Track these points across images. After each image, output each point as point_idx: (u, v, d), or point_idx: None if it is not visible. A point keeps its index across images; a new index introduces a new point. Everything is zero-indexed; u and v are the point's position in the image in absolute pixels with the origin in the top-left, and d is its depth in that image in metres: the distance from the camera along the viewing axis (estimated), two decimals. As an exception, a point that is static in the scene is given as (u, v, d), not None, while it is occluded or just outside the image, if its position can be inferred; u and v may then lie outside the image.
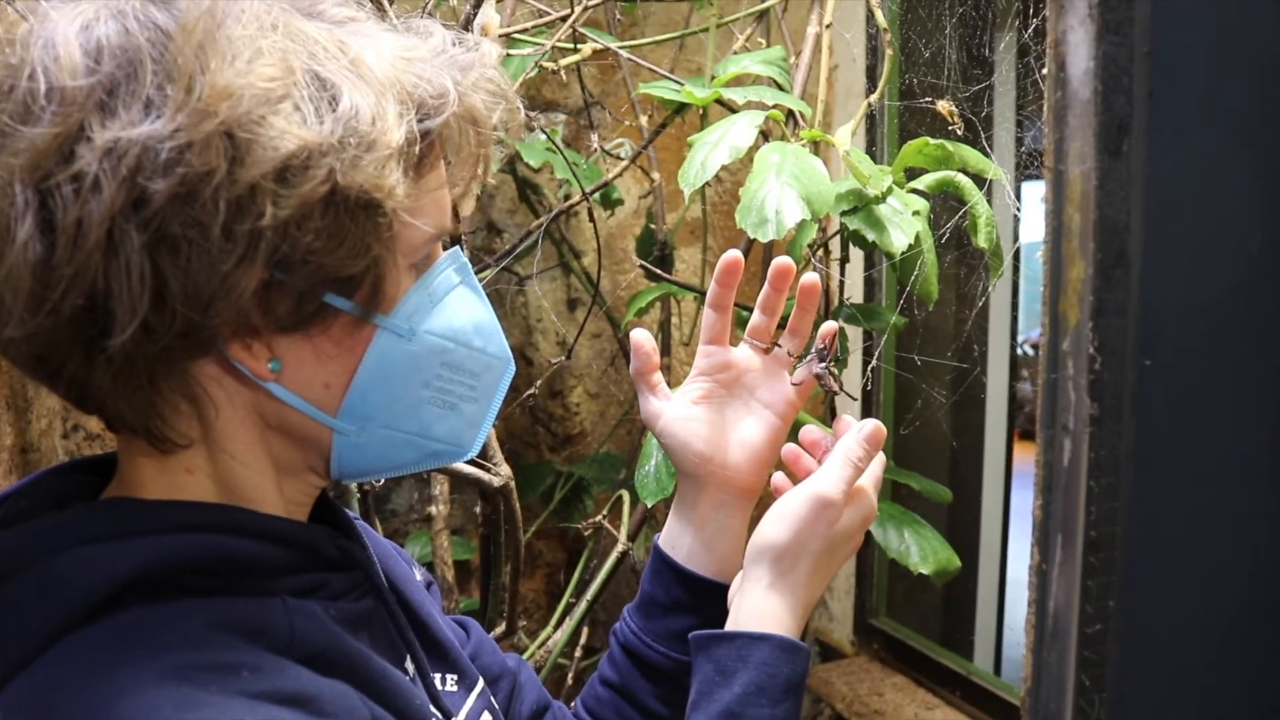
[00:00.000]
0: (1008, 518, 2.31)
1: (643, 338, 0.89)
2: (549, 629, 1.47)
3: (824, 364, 0.87)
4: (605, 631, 2.33)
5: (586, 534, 1.52)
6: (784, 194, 1.12)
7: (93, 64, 0.56)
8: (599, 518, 1.49)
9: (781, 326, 0.91)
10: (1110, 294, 0.62)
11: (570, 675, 1.67)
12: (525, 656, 1.40)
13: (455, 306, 0.72)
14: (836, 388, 0.88)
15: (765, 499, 0.84)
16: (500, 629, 1.24)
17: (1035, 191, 1.81)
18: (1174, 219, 0.63)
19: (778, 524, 0.80)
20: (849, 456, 0.81)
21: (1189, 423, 0.64)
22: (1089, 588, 0.63)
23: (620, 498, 1.47)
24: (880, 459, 0.85)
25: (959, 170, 1.31)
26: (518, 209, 2.15)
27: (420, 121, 0.64)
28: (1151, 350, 0.63)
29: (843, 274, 1.38)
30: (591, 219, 1.35)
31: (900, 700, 2.10)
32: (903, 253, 1.20)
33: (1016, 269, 2.12)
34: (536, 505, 2.11)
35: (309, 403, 0.67)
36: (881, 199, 1.25)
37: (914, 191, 1.31)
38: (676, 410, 0.89)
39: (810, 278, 0.88)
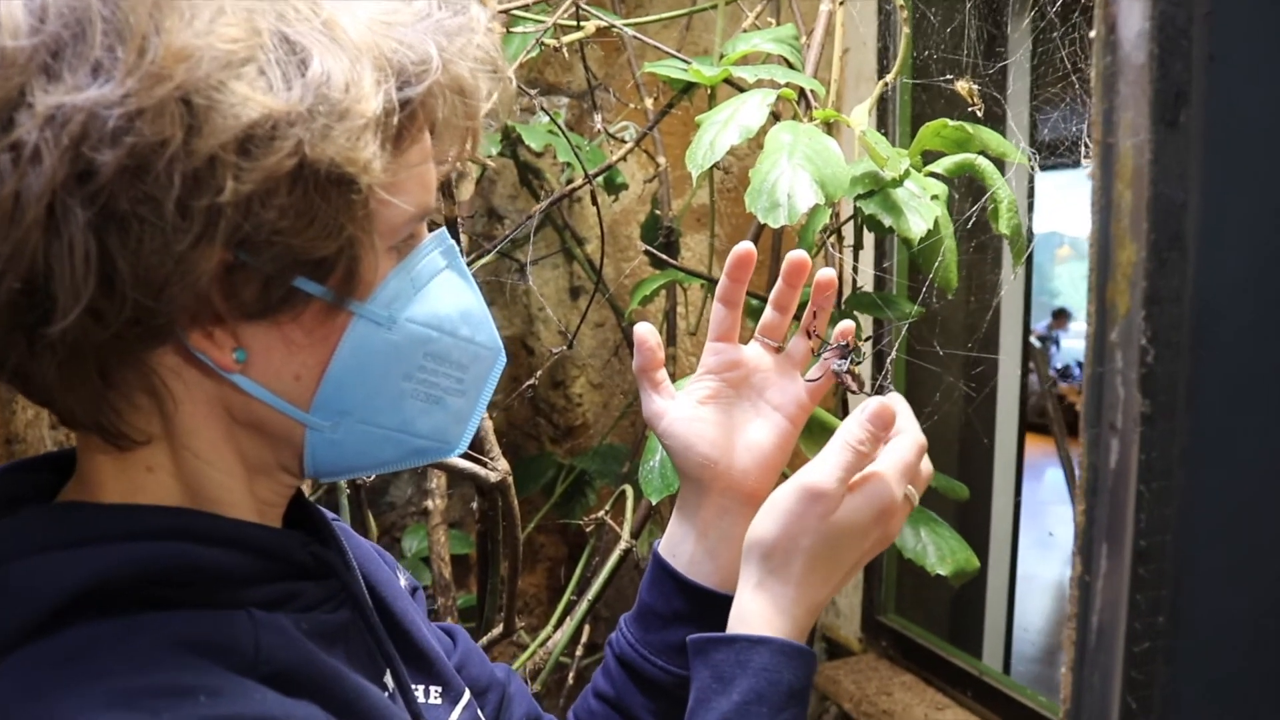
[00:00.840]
0: (1018, 513, 2.27)
1: (646, 332, 0.84)
2: (549, 628, 1.42)
3: (844, 361, 0.81)
4: (609, 628, 2.29)
5: (588, 530, 1.47)
6: (797, 176, 1.06)
7: (37, 23, 0.51)
8: (601, 513, 1.44)
9: (797, 318, 0.86)
10: (1164, 279, 0.56)
11: (571, 674, 1.62)
12: (525, 657, 1.35)
13: (440, 292, 0.66)
14: (856, 387, 0.82)
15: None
16: (498, 630, 1.18)
17: (1044, 183, 1.76)
18: (1235, 196, 0.57)
19: (765, 519, 0.74)
20: (847, 440, 0.73)
21: (1250, 421, 0.59)
22: (1137, 602, 0.58)
23: (624, 493, 1.41)
24: (913, 441, 0.76)
25: (979, 153, 1.25)
26: (519, 194, 2.09)
27: (400, 90, 0.58)
28: (1209, 341, 0.57)
29: (856, 261, 1.32)
30: (594, 203, 1.29)
31: (909, 700, 2.05)
32: (921, 239, 1.14)
33: (1030, 260, 2.06)
34: (538, 498, 2.06)
35: (279, 396, 0.61)
36: (899, 182, 1.19)
37: (932, 175, 1.25)
38: (681, 410, 0.84)
39: (826, 273, 0.82)
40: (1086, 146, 1.17)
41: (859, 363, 0.81)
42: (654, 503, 1.07)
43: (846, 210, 1.40)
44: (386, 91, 0.57)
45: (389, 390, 0.64)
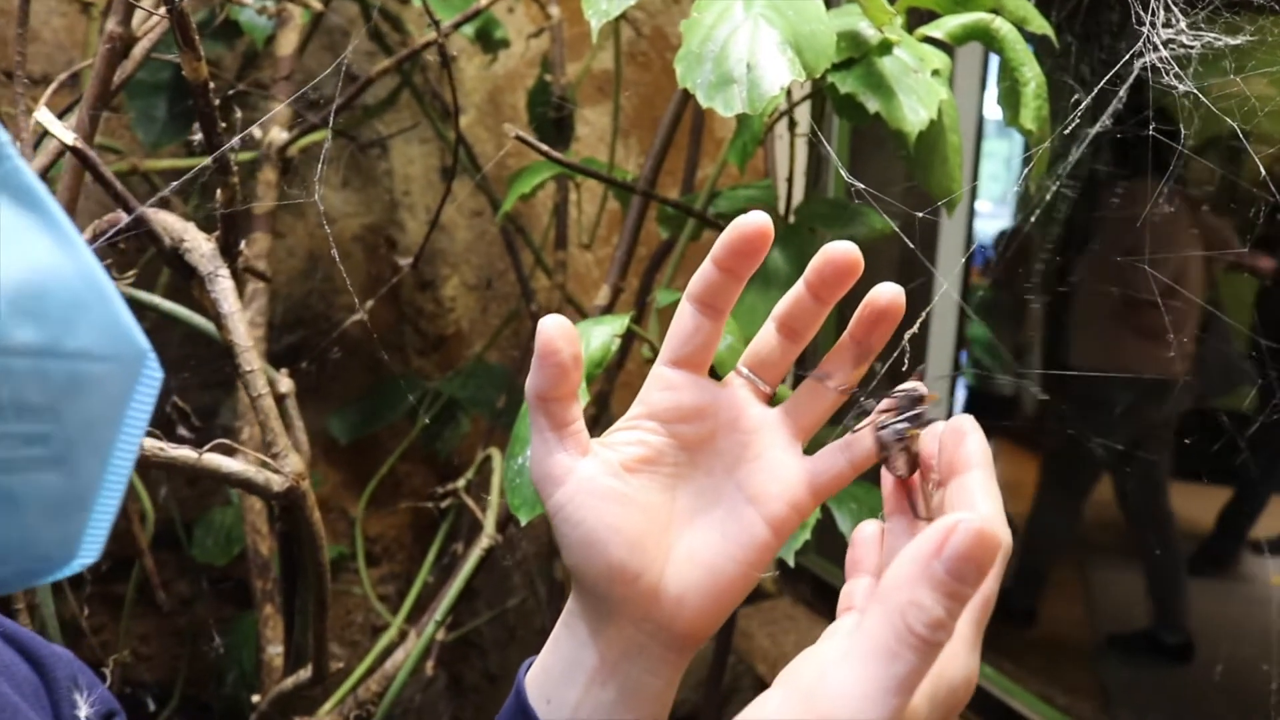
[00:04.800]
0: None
1: (554, 332, 0.45)
2: (394, 629, 1.08)
3: (901, 428, 0.45)
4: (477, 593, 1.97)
5: (443, 506, 1.12)
6: (759, 34, 0.68)
7: None
8: (459, 483, 1.09)
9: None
10: None
11: (431, 662, 1.28)
12: (352, 681, 1.01)
13: None
14: (905, 469, 0.46)
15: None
16: (306, 673, 0.84)
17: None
18: None
19: None
20: (909, 624, 0.34)
21: None
22: None
23: (490, 457, 1.06)
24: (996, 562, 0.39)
25: (992, 12, 0.90)
26: (379, 51, 1.67)
27: None
28: None
29: (819, 155, 0.96)
30: (444, 65, 0.90)
31: (831, 658, 1.79)
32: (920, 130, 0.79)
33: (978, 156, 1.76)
34: (403, 425, 1.70)
35: None
36: (887, 49, 0.83)
37: (928, 41, 0.90)
38: (591, 478, 0.47)
39: (887, 291, 0.46)
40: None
41: (915, 429, 0.46)
42: (523, 523, 0.73)
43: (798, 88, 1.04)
44: None
45: None
